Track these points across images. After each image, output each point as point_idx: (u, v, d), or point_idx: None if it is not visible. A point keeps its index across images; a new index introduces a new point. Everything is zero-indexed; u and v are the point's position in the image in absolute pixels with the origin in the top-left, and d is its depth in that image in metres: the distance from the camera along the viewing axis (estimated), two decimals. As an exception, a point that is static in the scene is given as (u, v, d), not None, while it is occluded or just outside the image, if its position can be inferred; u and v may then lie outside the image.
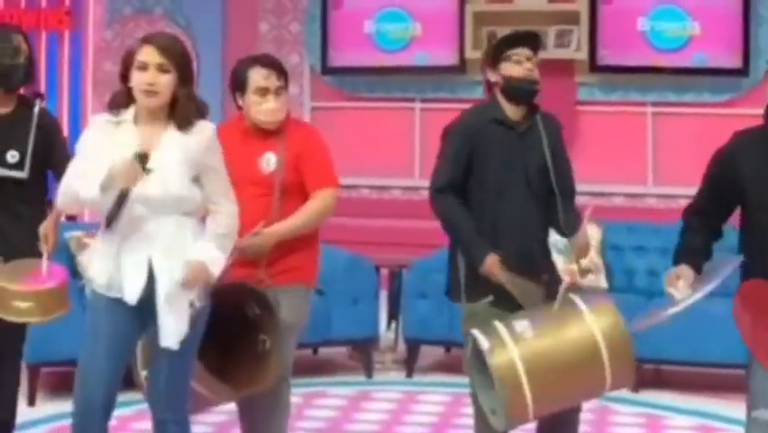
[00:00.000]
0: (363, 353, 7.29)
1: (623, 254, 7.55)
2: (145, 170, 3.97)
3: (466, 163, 4.63)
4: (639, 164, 8.94)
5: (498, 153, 4.62)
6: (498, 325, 4.33)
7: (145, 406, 4.34)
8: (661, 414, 6.54)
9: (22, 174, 4.93)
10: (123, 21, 10.10)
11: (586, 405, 6.57)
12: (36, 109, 5.02)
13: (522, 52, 4.63)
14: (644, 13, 8.73)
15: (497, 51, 4.68)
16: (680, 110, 8.79)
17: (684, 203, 8.83)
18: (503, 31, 8.94)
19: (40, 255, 4.83)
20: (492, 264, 4.55)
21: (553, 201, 4.66)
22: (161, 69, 4.02)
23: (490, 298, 4.58)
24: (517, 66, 4.62)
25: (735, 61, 8.55)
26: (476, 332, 4.34)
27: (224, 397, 4.71)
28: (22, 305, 4.59)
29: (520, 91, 4.64)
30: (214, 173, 4.19)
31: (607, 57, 8.86)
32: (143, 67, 4.02)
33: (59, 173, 4.53)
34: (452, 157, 4.65)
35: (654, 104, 8.79)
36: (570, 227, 4.63)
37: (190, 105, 4.11)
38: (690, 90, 8.71)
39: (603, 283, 7.38)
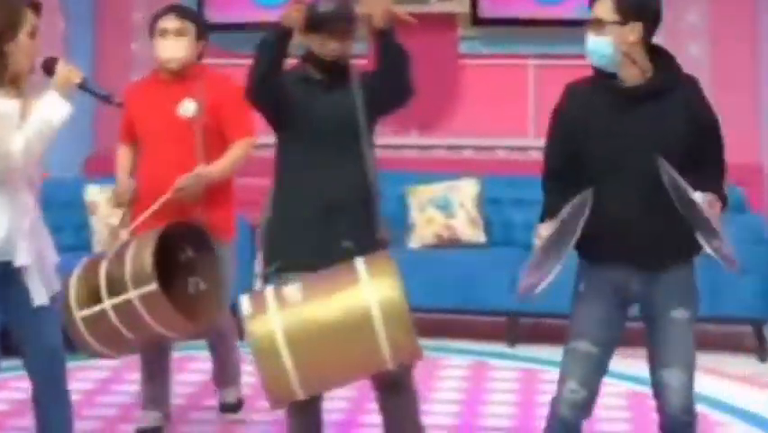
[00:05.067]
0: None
1: (502, 208, 7.54)
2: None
3: None
4: (520, 117, 8.80)
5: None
6: (269, 289, 4.00)
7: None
8: (538, 368, 6.54)
9: None
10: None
11: (462, 360, 6.58)
12: None
13: None
14: (526, -35, 8.62)
15: None
16: (561, 62, 8.71)
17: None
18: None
19: None
20: None
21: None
22: None
23: None
24: None
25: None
26: (244, 296, 3.99)
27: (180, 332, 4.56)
28: None
29: None
30: None
31: (488, 9, 8.74)
32: None
33: None
34: None
35: (536, 56, 8.71)
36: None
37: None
38: (571, 42, 8.61)
39: (482, 238, 7.37)
